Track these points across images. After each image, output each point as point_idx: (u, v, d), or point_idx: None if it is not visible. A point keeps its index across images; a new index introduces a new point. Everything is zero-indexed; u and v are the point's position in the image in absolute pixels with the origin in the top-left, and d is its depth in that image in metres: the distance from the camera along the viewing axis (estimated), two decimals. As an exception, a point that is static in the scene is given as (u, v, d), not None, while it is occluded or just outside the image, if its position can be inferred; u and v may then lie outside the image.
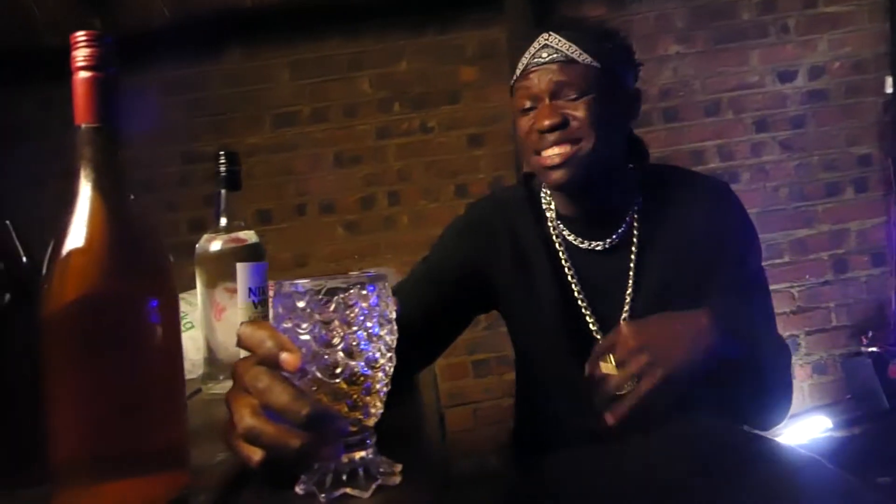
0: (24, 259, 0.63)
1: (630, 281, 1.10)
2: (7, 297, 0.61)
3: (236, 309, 0.89)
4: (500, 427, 2.72)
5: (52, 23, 2.49)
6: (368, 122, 2.87)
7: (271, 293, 0.52)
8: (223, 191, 0.95)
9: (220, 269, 0.90)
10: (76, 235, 0.50)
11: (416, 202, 2.85)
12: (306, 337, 0.48)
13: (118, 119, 0.53)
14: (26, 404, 0.60)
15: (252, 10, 2.70)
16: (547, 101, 1.03)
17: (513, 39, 2.67)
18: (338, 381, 0.49)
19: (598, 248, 1.11)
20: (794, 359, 2.80)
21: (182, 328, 1.15)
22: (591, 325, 1.11)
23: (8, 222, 0.63)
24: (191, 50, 2.83)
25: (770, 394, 1.06)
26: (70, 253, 0.49)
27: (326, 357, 0.48)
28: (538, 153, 1.05)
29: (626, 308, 1.10)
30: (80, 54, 0.51)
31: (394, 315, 0.52)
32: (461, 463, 2.63)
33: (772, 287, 2.97)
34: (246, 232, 0.93)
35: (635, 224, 1.12)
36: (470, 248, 1.14)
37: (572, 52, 1.03)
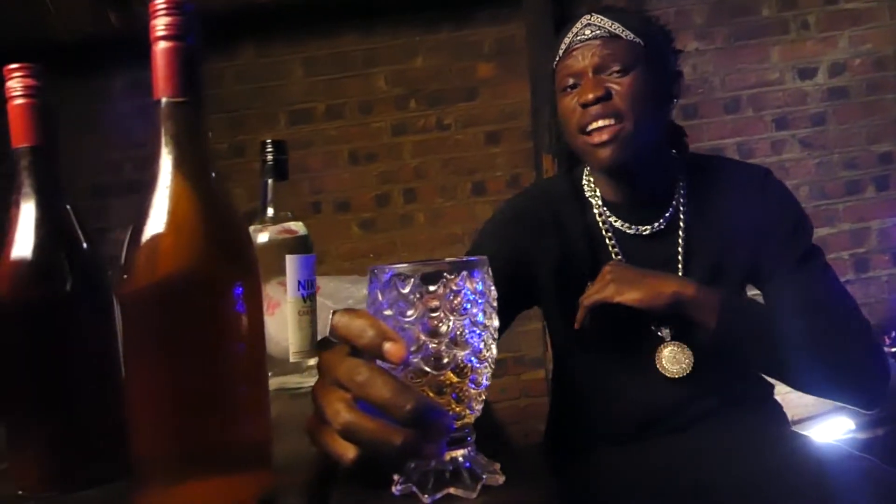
0: (85, 245, 0.60)
1: (679, 266, 1.10)
2: (69, 284, 0.58)
3: (287, 303, 0.86)
4: (517, 428, 2.69)
5: (67, 18, 2.45)
6: (384, 119, 2.84)
7: (367, 280, 0.48)
8: (270, 180, 0.91)
9: (270, 262, 0.87)
10: (159, 217, 0.47)
11: (433, 200, 2.82)
12: (410, 325, 0.45)
13: (200, 92, 0.49)
14: (92, 396, 0.57)
15: (266, 6, 2.66)
16: (591, 75, 1.04)
17: (531, 35, 2.64)
18: (443, 372, 0.45)
19: (646, 232, 1.11)
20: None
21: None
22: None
23: (69, 206, 0.60)
24: (205, 46, 2.79)
25: (828, 367, 1.01)
26: (155, 236, 0.46)
27: (431, 347, 0.45)
28: (583, 131, 1.04)
29: None
30: (161, 23, 0.48)
31: (496, 303, 0.49)
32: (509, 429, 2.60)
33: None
34: (295, 223, 0.90)
35: (681, 209, 1.12)
36: (514, 241, 1.11)
37: (616, 29, 1.04)
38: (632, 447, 1.13)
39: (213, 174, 0.49)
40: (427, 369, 0.45)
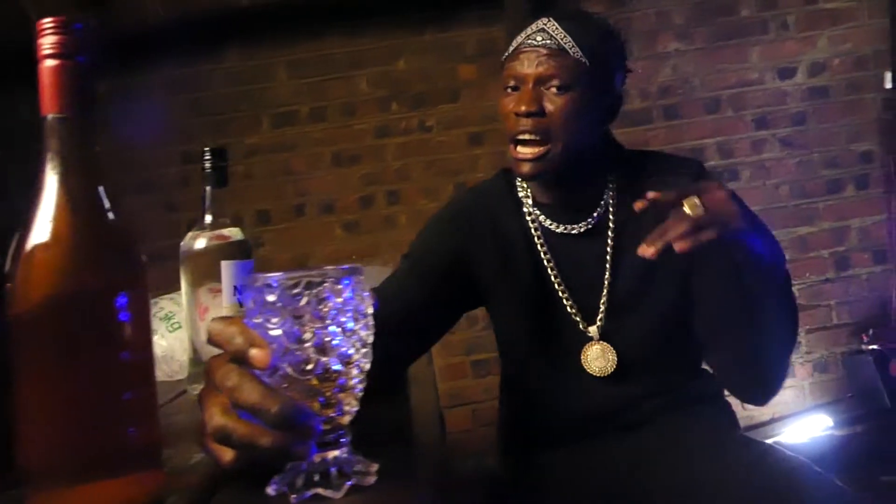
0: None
1: (608, 264, 1.10)
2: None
3: (220, 309, 0.88)
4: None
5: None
6: (367, 122, 2.86)
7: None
8: (209, 188, 0.93)
9: (205, 268, 0.90)
10: (41, 230, 0.49)
11: (416, 201, 2.84)
12: (277, 332, 0.47)
13: (89, 110, 0.51)
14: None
15: (250, 9, 2.69)
16: (530, 85, 1.03)
17: (511, 37, 2.66)
18: (309, 377, 0.48)
19: (574, 231, 1.12)
20: (795, 357, 2.80)
21: (170, 329, 1.15)
22: (569, 309, 1.12)
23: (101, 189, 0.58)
24: (190, 49, 2.83)
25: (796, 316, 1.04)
26: (34, 248, 0.48)
27: (298, 353, 0.47)
28: (513, 139, 1.05)
29: (605, 292, 1.11)
30: (47, 42, 0.50)
31: (370, 310, 0.51)
32: (462, 463, 2.62)
33: (773, 285, 2.90)
34: (231, 229, 0.92)
35: (611, 208, 1.12)
36: (452, 240, 1.13)
37: (565, 43, 1.03)
38: (576, 449, 1.14)
39: (101, 188, 0.51)
40: (294, 374, 0.48)
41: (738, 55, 2.81)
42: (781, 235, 2.80)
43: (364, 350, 0.50)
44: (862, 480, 2.42)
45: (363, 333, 0.50)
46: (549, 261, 1.12)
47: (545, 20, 1.05)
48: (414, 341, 1.08)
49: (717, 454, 1.02)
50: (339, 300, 0.48)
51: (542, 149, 1.02)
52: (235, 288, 0.90)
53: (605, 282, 1.11)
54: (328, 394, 0.49)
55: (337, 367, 0.48)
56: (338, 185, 2.87)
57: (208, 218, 0.93)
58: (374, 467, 0.51)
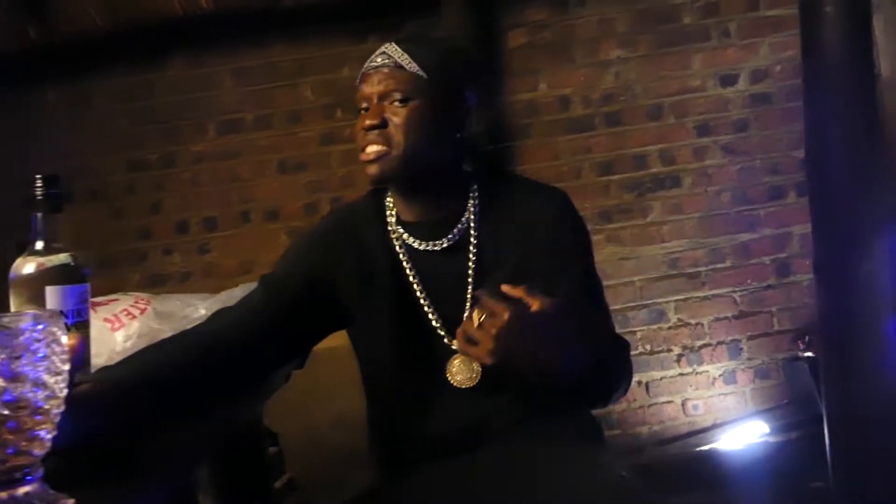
0: None
1: (470, 280, 1.14)
2: None
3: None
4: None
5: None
6: (312, 129, 2.89)
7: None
8: (39, 214, 0.95)
9: (32, 294, 0.91)
10: None
11: (360, 208, 2.86)
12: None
13: None
14: None
15: (192, 17, 2.71)
16: (375, 102, 1.10)
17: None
18: None
19: (438, 248, 1.15)
20: (735, 363, 2.82)
21: None
22: (433, 323, 1.14)
23: None
24: (134, 58, 2.85)
25: (612, 384, 1.12)
26: None
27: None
28: (361, 150, 1.11)
29: (467, 305, 1.14)
30: None
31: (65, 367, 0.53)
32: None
33: (714, 292, 2.99)
34: (61, 255, 0.94)
35: (472, 225, 1.16)
36: (312, 263, 1.16)
37: (403, 60, 1.10)
38: (441, 464, 1.16)
39: None
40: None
41: (680, 62, 2.83)
42: (723, 242, 2.82)
43: (53, 387, 0.52)
44: (794, 485, 2.44)
45: (53, 382, 0.52)
46: (413, 277, 1.15)
47: (386, 45, 1.12)
48: (263, 361, 1.11)
49: (565, 474, 1.04)
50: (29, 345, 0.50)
51: (382, 148, 1.08)
52: (62, 312, 0.91)
53: (468, 297, 1.14)
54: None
55: (6, 411, 0.50)
56: (283, 192, 2.89)
57: (39, 244, 0.94)
58: (72, 501, 0.53)
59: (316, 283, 1.14)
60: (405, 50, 1.10)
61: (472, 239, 1.15)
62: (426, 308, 1.15)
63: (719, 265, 2.81)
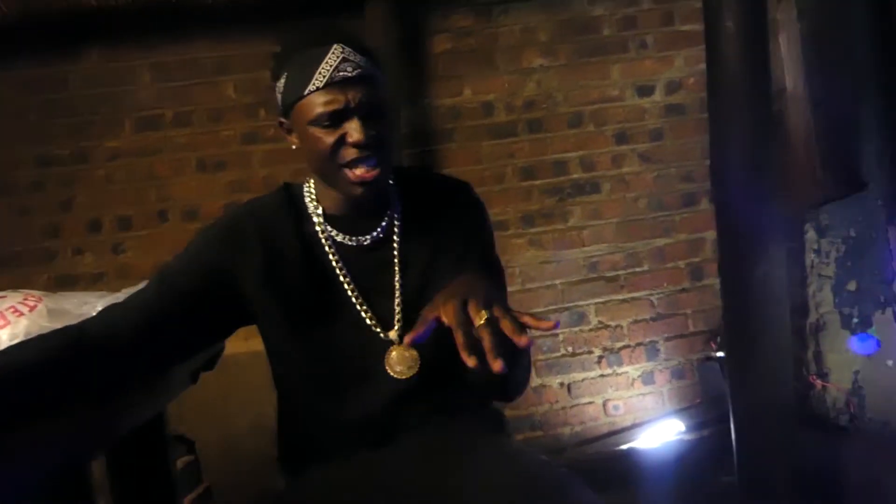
0: None
1: (396, 271, 1.15)
2: None
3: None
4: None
5: None
6: (233, 128, 2.83)
7: None
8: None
9: None
10: None
11: (282, 209, 2.81)
12: None
13: None
14: None
15: (107, 8, 2.62)
16: (356, 118, 1.04)
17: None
18: None
19: (366, 243, 1.15)
20: (653, 364, 2.90)
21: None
22: (363, 315, 1.13)
23: None
24: (45, 48, 2.73)
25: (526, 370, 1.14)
26: None
27: None
28: (348, 167, 1.06)
29: (398, 294, 1.14)
30: None
31: None
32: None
33: (632, 295, 3.05)
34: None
35: (395, 219, 1.18)
36: (215, 255, 1.12)
37: (373, 70, 1.07)
38: (350, 461, 1.14)
39: None
40: None
41: (599, 72, 2.91)
42: (640, 246, 2.91)
43: None
44: (706, 481, 2.52)
45: None
46: (340, 270, 1.14)
47: (340, 48, 1.05)
48: (150, 356, 1.07)
49: (480, 463, 1.05)
50: None
51: (377, 171, 1.06)
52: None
53: (397, 284, 1.15)
54: None
55: None
56: (202, 192, 2.81)
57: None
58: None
59: (218, 276, 1.10)
60: (366, 55, 1.06)
61: (395, 233, 1.17)
62: (355, 300, 1.14)
63: (637, 269, 2.90)
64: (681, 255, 2.92)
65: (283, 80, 1.10)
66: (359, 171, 1.05)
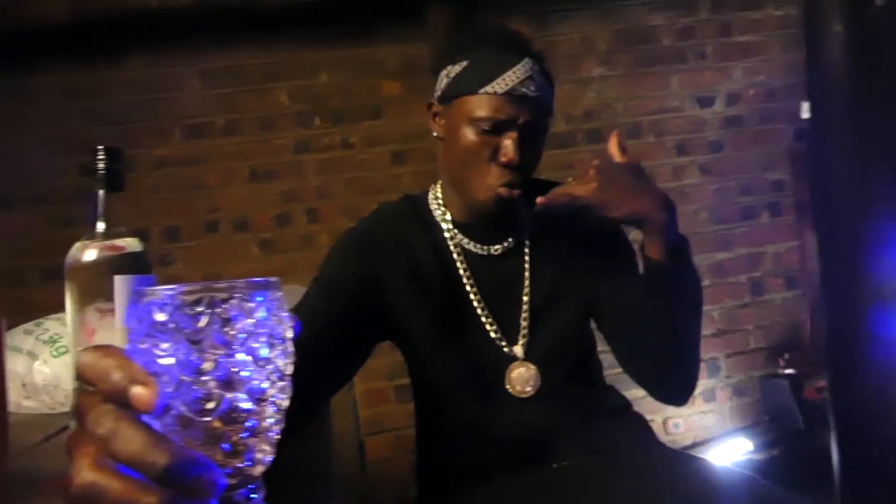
0: None
1: (526, 282, 1.11)
2: None
3: (111, 330, 0.75)
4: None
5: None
6: (286, 136, 2.73)
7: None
8: (101, 191, 0.80)
9: (95, 283, 0.76)
10: None
11: (336, 220, 2.72)
12: (168, 361, 0.37)
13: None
14: None
15: (157, 12, 2.52)
16: (516, 135, 1.01)
17: (434, 56, 2.61)
18: (210, 418, 0.37)
19: (497, 252, 1.12)
20: (714, 381, 2.83)
21: (55, 353, 1.00)
22: (488, 328, 1.09)
23: None
24: (91, 53, 2.63)
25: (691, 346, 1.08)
26: None
27: (196, 387, 0.37)
28: (489, 180, 1.03)
29: (525, 308, 1.10)
30: None
31: (289, 334, 0.41)
32: (384, 491, 2.50)
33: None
34: (127, 239, 0.79)
35: (526, 229, 1.14)
36: (362, 263, 1.06)
37: (547, 97, 1.05)
38: (502, 478, 1.07)
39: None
40: (189, 415, 0.37)
41: (658, 82, 2.86)
42: (701, 260, 2.84)
43: (281, 384, 0.40)
44: (781, 499, 2.45)
45: (280, 363, 0.40)
46: (468, 279, 1.10)
47: (531, 63, 1.02)
48: (333, 369, 0.99)
49: (651, 468, 1.01)
50: (251, 321, 0.38)
51: (517, 192, 1.03)
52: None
53: (525, 297, 1.11)
54: (234, 439, 0.38)
55: (246, 405, 0.38)
56: (253, 202, 2.71)
57: (101, 226, 0.80)
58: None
59: (367, 286, 1.05)
60: (547, 78, 1.06)
61: (525, 243, 1.13)
62: (480, 312, 1.09)
63: (697, 283, 2.84)
64: (741, 270, 2.87)
65: (458, 67, 1.05)
66: (501, 190, 1.02)
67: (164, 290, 0.37)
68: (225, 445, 0.37)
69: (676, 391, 1.10)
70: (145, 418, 0.37)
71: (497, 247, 1.11)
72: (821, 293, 2.07)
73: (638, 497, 0.95)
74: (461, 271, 1.10)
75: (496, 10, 2.76)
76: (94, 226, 0.80)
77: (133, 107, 2.68)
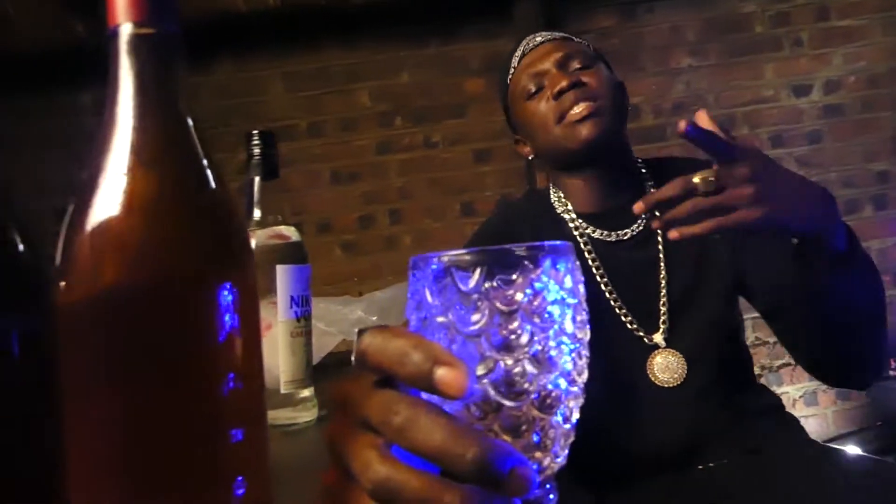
0: (21, 248, 0.46)
1: (662, 269, 1.06)
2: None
3: (278, 324, 0.72)
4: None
5: (31, 28, 2.30)
6: (368, 137, 2.72)
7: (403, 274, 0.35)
8: (257, 178, 0.77)
9: (259, 274, 0.73)
10: (109, 194, 0.33)
11: (420, 221, 2.69)
12: (473, 338, 0.32)
13: (175, 22, 0.36)
14: (27, 434, 0.42)
15: (243, 18, 2.54)
16: (555, 70, 1.05)
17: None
18: (522, 404, 0.32)
19: (627, 237, 1.07)
20: (816, 384, 2.69)
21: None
22: (622, 318, 1.04)
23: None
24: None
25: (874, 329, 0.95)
26: (99, 218, 0.32)
27: (505, 368, 0.32)
28: (561, 119, 1.03)
29: (664, 296, 1.04)
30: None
31: (586, 307, 0.36)
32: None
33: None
34: (287, 227, 0.76)
35: (656, 213, 1.02)
36: None
37: (568, 36, 1.11)
38: (653, 478, 1.01)
39: (195, 140, 0.36)
40: (499, 400, 0.32)
41: (752, 72, 2.74)
42: (799, 257, 2.71)
43: (585, 365, 0.35)
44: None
45: (585, 341, 0.35)
46: (598, 269, 1.06)
47: (533, 35, 1.13)
48: None
49: (811, 469, 0.95)
50: (558, 290, 0.33)
51: (594, 105, 1.01)
52: (291, 298, 0.73)
53: (662, 283, 1.05)
54: (546, 428, 0.33)
55: (558, 387, 0.33)
56: (336, 204, 2.71)
57: (257, 213, 0.77)
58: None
59: None
60: (564, 34, 1.12)
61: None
62: (614, 303, 1.05)
63: (797, 281, 2.70)
64: (844, 266, 2.71)
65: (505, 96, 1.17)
66: (576, 110, 1.01)
67: (461, 256, 0.32)
68: (536, 436, 0.32)
69: (854, 375, 0.99)
70: (438, 403, 0.32)
71: (625, 231, 1.07)
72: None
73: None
74: (590, 261, 1.06)
75: (583, 3, 2.70)
76: (250, 214, 0.77)
77: (219, 111, 2.70)
